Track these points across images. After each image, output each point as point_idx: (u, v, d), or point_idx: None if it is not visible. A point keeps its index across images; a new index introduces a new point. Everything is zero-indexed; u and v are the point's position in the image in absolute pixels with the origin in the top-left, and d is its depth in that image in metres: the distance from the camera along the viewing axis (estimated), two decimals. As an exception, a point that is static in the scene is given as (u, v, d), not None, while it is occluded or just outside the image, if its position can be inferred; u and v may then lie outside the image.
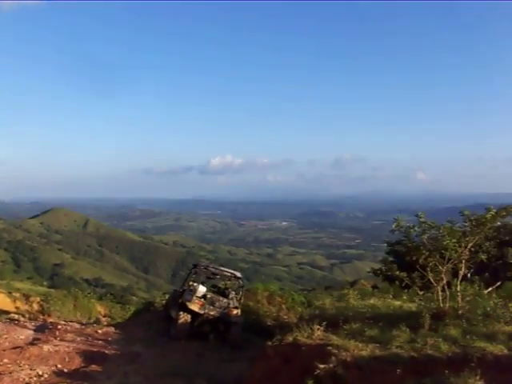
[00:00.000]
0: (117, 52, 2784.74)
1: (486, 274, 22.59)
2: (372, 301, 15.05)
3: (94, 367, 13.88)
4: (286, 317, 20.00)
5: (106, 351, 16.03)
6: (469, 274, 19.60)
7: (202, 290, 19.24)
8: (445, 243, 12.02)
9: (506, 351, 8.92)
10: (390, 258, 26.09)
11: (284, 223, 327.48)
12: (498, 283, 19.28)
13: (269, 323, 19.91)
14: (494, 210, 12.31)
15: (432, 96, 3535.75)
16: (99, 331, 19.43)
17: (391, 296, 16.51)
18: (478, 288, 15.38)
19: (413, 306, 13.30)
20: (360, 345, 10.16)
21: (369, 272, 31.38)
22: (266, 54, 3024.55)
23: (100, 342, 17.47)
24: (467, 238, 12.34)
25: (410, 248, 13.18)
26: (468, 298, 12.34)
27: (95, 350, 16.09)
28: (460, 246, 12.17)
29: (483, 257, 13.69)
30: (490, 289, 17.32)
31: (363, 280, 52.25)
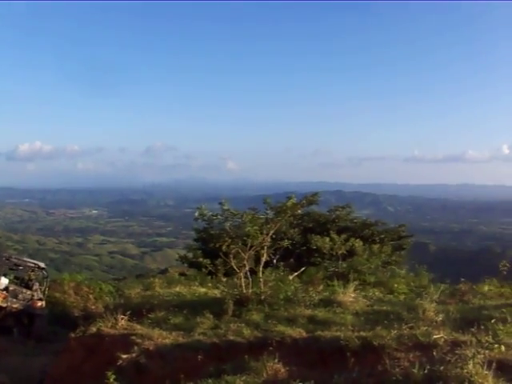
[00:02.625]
0: None
1: (291, 259, 23.67)
2: (178, 288, 15.13)
3: None
4: (93, 307, 19.65)
5: None
6: (274, 260, 20.42)
7: (3, 282, 18.50)
8: (247, 230, 12.33)
9: (304, 334, 9.34)
10: (196, 245, 26.56)
11: (94, 212, 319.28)
12: (302, 269, 20.22)
13: (76, 314, 19.51)
14: (295, 199, 12.86)
15: (240, 84, 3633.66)
16: None
17: (197, 283, 16.71)
18: (282, 273, 16.00)
19: (217, 293, 13.56)
20: (164, 333, 10.18)
21: (177, 260, 31.74)
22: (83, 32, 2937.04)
23: None
24: (269, 225, 12.76)
25: (213, 235, 13.41)
26: (270, 284, 12.78)
27: None
28: (262, 233, 12.55)
29: (287, 243, 14.26)
30: (294, 274, 18.11)
31: (172, 268, 52.35)
